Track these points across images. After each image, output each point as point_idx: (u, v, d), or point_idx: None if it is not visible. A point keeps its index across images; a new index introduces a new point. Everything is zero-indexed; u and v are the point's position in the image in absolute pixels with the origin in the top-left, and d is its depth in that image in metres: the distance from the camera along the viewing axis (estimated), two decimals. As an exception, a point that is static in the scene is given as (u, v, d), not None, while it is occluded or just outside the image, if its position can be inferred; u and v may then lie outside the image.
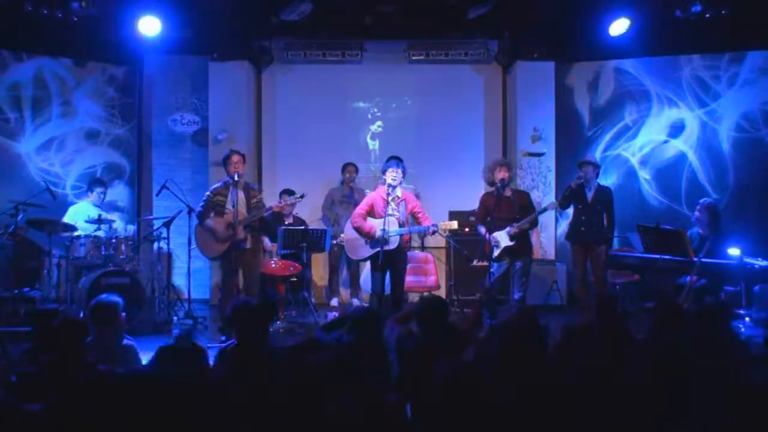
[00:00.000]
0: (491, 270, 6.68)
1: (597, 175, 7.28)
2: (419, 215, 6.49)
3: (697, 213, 6.63)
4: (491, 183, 6.86)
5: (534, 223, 6.89)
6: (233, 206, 6.44)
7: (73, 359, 3.27)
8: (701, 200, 6.85)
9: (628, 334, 3.45)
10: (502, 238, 6.60)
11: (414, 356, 3.34)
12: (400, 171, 6.47)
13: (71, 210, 7.63)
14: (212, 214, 6.56)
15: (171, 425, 2.43)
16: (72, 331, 3.45)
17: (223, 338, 6.27)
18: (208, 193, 6.70)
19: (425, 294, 6.95)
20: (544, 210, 7.03)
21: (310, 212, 8.61)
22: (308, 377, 2.50)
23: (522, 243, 6.70)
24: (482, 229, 6.76)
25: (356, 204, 8.20)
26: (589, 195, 7.17)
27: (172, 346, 2.87)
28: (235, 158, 6.59)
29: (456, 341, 3.29)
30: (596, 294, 6.93)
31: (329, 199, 8.65)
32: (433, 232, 6.57)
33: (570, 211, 7.39)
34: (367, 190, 8.17)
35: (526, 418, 2.48)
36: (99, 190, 7.76)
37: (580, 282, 7.24)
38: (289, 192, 7.67)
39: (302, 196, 6.84)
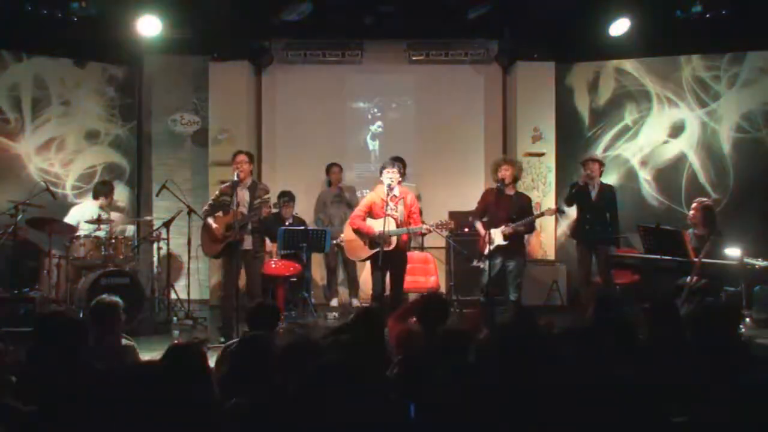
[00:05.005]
0: (483, 268, 6.66)
1: (601, 173, 7.28)
2: (413, 217, 6.49)
3: (692, 212, 6.61)
4: (496, 180, 6.84)
5: (530, 228, 6.83)
6: (236, 206, 6.44)
7: (72, 359, 3.26)
8: (696, 199, 6.83)
9: (631, 333, 3.44)
10: (496, 236, 6.57)
11: (416, 355, 3.34)
12: (395, 170, 6.46)
13: (73, 211, 7.61)
14: (221, 213, 6.58)
15: (170, 425, 2.43)
16: (72, 331, 3.44)
17: (223, 339, 6.27)
18: (216, 192, 6.78)
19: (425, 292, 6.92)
20: (542, 215, 6.95)
21: (310, 213, 8.60)
22: (310, 378, 2.49)
23: (515, 244, 6.63)
24: (478, 224, 6.76)
25: (348, 203, 8.19)
26: (594, 194, 7.16)
27: (181, 345, 2.87)
28: (239, 158, 6.57)
29: (457, 342, 3.28)
30: (599, 293, 6.87)
31: (320, 202, 8.62)
32: (428, 231, 6.60)
33: (571, 210, 7.36)
34: (366, 190, 8.14)
35: (526, 420, 2.47)
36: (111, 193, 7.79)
37: (583, 282, 7.21)
38: (286, 194, 7.67)
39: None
